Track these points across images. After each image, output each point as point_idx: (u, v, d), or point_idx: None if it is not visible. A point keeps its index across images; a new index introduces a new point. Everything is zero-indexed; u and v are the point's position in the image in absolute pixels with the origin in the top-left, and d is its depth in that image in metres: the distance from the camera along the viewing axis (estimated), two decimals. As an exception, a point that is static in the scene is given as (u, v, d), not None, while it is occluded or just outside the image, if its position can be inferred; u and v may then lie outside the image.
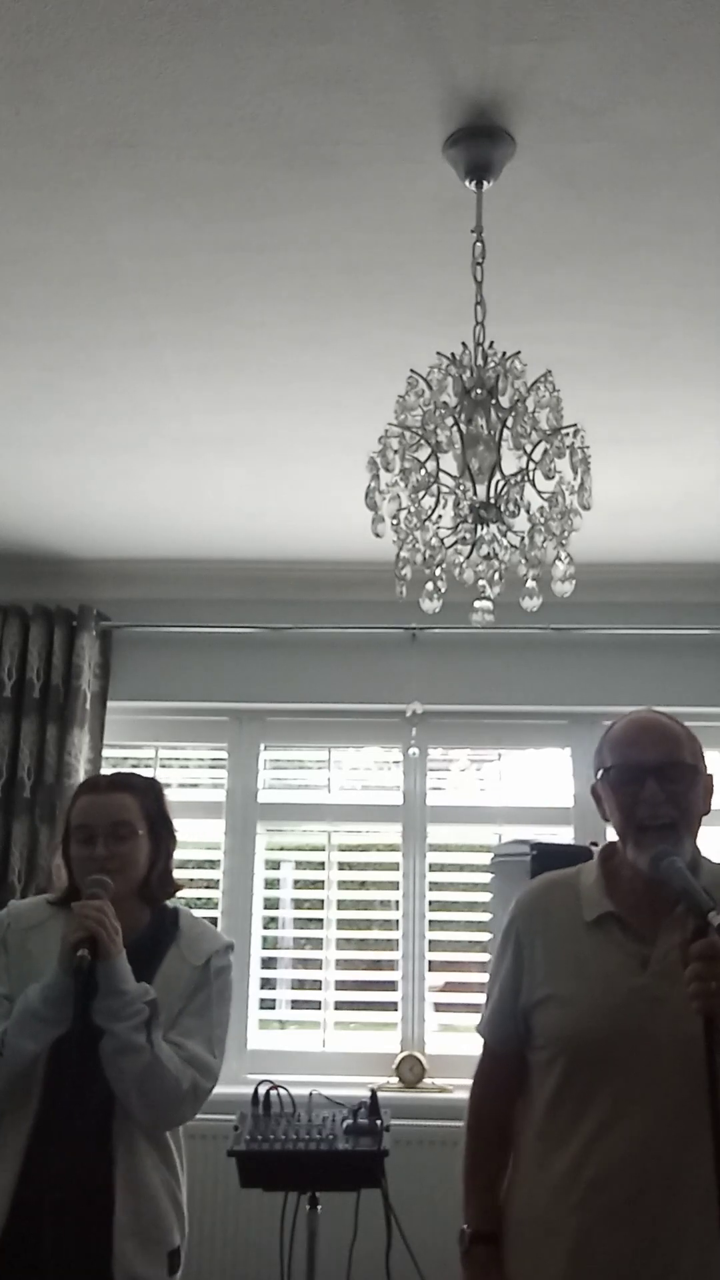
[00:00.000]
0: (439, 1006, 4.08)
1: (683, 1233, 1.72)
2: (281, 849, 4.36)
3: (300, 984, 4.23)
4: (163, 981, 2.11)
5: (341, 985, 4.10)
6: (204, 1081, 2.10)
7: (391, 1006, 4.06)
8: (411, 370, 1.94)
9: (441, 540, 1.91)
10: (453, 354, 1.94)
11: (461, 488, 1.91)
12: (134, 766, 4.33)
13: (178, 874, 2.29)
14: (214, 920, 3.98)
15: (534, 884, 2.08)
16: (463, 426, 1.91)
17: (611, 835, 1.99)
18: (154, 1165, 2.08)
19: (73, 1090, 2.03)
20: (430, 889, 4.14)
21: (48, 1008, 2.01)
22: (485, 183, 2.02)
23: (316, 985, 4.12)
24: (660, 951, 1.83)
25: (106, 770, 4.08)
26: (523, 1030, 1.94)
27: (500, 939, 2.02)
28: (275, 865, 4.33)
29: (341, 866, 4.23)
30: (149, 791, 2.26)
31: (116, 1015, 2.00)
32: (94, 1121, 2.04)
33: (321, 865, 4.20)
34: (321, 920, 4.13)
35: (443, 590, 1.95)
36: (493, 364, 1.93)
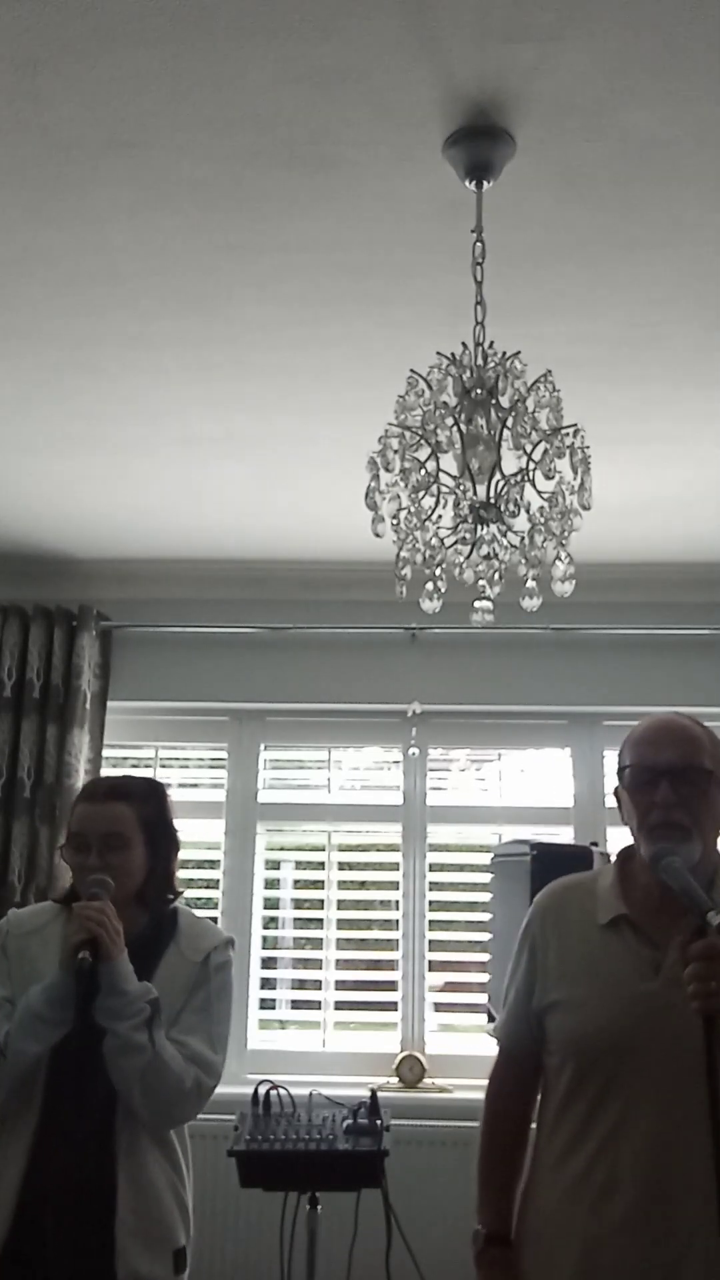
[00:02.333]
0: (439, 1006, 4.08)
1: (691, 1237, 1.71)
2: (281, 849, 4.36)
3: (300, 984, 4.23)
4: (162, 979, 2.11)
5: (341, 985, 4.10)
6: (207, 1079, 2.10)
7: (391, 1006, 4.06)
8: (411, 370, 1.94)
9: (441, 540, 1.90)
10: (453, 354, 1.93)
11: (461, 488, 1.90)
12: (134, 766, 4.33)
13: (178, 875, 2.28)
14: (214, 920, 3.98)
15: (552, 886, 2.07)
16: (463, 426, 1.90)
17: (625, 839, 1.98)
18: (158, 1164, 2.08)
19: (74, 1090, 2.04)
20: (430, 889, 4.15)
21: (49, 1008, 2.01)
22: (485, 183, 2.02)
23: (316, 985, 4.12)
24: (672, 958, 1.81)
25: (106, 770, 4.09)
26: (537, 1033, 1.94)
27: (518, 941, 2.02)
28: (275, 865, 4.33)
29: (341, 866, 4.23)
30: (148, 798, 2.24)
31: (118, 1015, 2.00)
32: (97, 1121, 2.04)
33: (321, 865, 4.20)
34: (321, 920, 4.13)
35: (443, 590, 1.94)
36: (493, 364, 1.92)
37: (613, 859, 2.02)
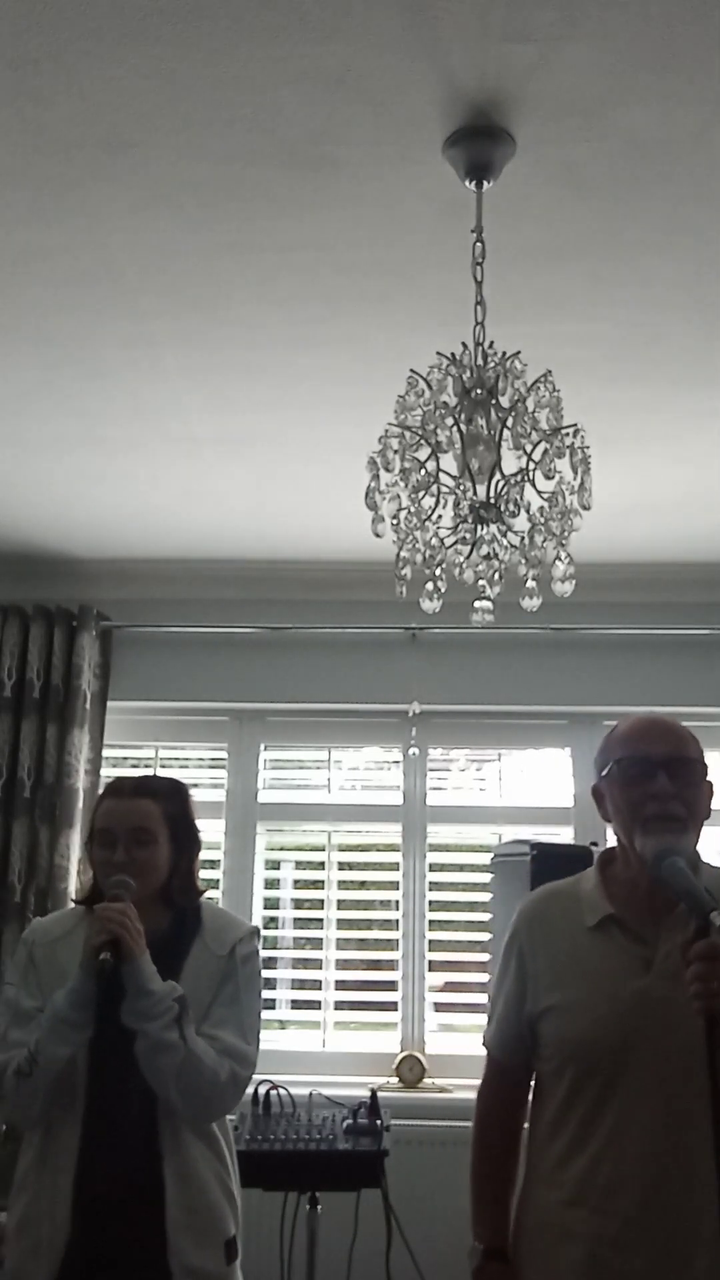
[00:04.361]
0: (439, 1006, 4.08)
1: (696, 1236, 1.71)
2: (281, 849, 4.36)
3: (300, 984, 4.23)
4: (190, 975, 2.13)
5: (341, 985, 4.11)
6: (242, 1070, 2.12)
7: (391, 1006, 4.06)
8: (411, 370, 1.94)
9: (441, 540, 1.90)
10: (453, 354, 1.93)
11: (461, 488, 1.90)
12: (134, 766, 4.34)
13: (200, 876, 2.29)
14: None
15: (535, 894, 2.08)
16: (463, 426, 1.90)
17: (612, 839, 1.99)
18: (203, 1157, 2.09)
19: (115, 1092, 2.05)
20: (430, 889, 4.15)
21: (74, 1011, 2.02)
22: (485, 183, 2.02)
23: (316, 985, 4.12)
24: (663, 953, 1.82)
25: (107, 770, 4.09)
26: (529, 1040, 1.93)
27: (503, 950, 2.01)
28: (275, 865, 4.33)
29: (341, 866, 4.23)
30: (173, 796, 2.27)
31: (146, 1015, 2.01)
32: (139, 1120, 2.06)
33: (321, 865, 4.20)
34: (321, 920, 4.13)
35: (443, 590, 1.94)
36: (493, 364, 1.92)
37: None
